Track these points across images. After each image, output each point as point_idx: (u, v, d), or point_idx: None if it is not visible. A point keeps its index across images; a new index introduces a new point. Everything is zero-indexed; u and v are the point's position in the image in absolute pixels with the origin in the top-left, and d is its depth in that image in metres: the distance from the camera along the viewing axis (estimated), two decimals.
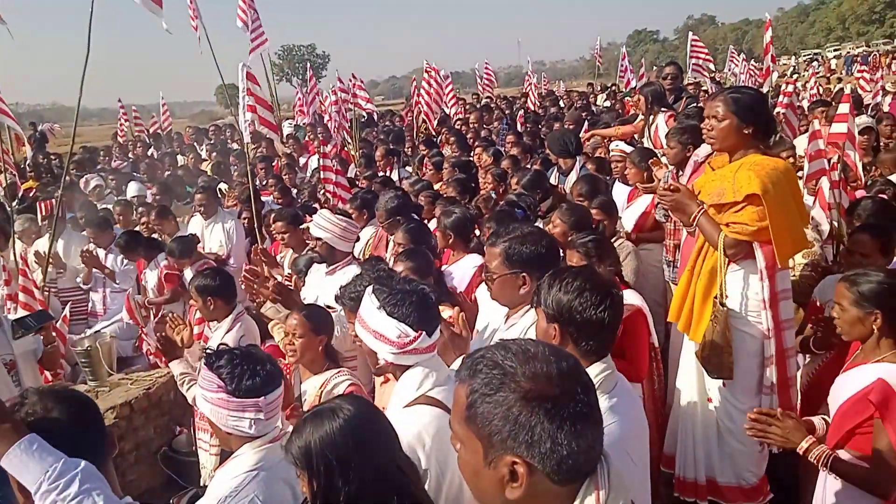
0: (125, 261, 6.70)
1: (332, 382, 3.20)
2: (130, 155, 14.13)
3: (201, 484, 4.12)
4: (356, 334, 2.49)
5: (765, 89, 10.57)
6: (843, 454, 2.63)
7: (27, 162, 12.60)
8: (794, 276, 4.05)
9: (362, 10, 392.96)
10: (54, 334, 4.46)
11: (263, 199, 7.62)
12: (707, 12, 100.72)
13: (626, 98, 13.26)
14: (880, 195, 4.92)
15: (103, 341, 4.79)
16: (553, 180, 6.67)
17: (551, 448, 1.21)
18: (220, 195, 7.95)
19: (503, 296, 2.86)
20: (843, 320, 2.74)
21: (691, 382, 3.64)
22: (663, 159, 5.67)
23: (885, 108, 10.69)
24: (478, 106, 15.33)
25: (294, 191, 8.38)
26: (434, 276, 3.63)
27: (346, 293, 3.32)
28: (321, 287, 4.35)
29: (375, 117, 14.79)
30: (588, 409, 1.25)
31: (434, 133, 11.74)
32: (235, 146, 13.00)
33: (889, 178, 5.83)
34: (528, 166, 7.25)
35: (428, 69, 11.59)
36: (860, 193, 5.21)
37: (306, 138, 13.28)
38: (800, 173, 6.14)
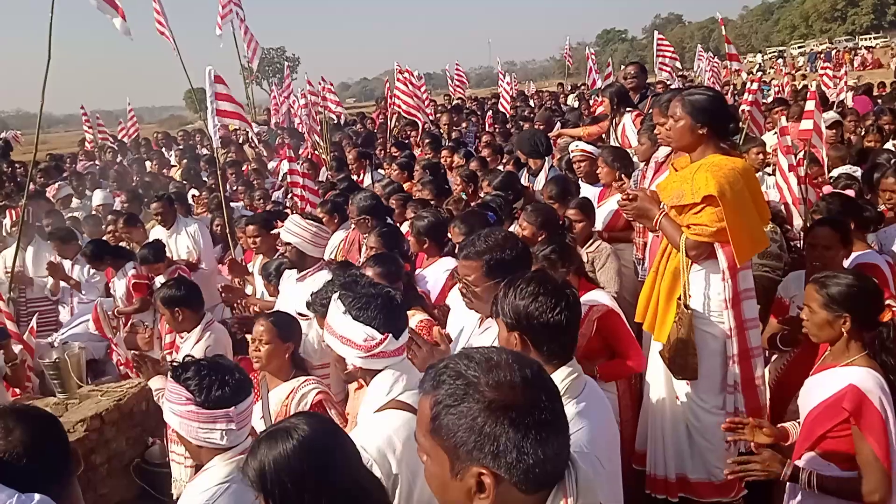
0: (92, 271, 6.59)
1: (300, 392, 3.17)
2: (98, 161, 13.93)
3: (175, 496, 4.06)
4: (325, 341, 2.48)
5: (729, 86, 10.74)
6: (813, 457, 2.66)
7: None
8: None
9: (332, 11, 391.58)
10: (22, 348, 4.38)
11: (234, 205, 7.56)
12: (674, 11, 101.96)
13: (593, 97, 13.37)
14: (846, 189, 5.02)
15: (72, 353, 4.71)
16: (524, 181, 6.70)
17: (517, 457, 1.21)
18: (191, 202, 7.87)
19: (482, 307, 2.84)
20: (812, 322, 2.72)
21: (660, 380, 3.66)
22: (634, 157, 5.72)
23: (850, 104, 10.91)
24: (448, 107, 15.33)
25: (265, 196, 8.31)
26: (404, 281, 3.61)
27: (318, 299, 3.29)
28: (293, 294, 4.32)
29: (343, 121, 14.69)
30: (553, 416, 1.25)
31: (405, 136, 11.72)
32: (205, 151, 12.87)
33: (847, 171, 5.96)
34: (500, 167, 7.28)
35: (401, 70, 11.55)
36: (827, 189, 5.32)
37: (277, 142, 13.19)
38: (768, 169, 6.27)
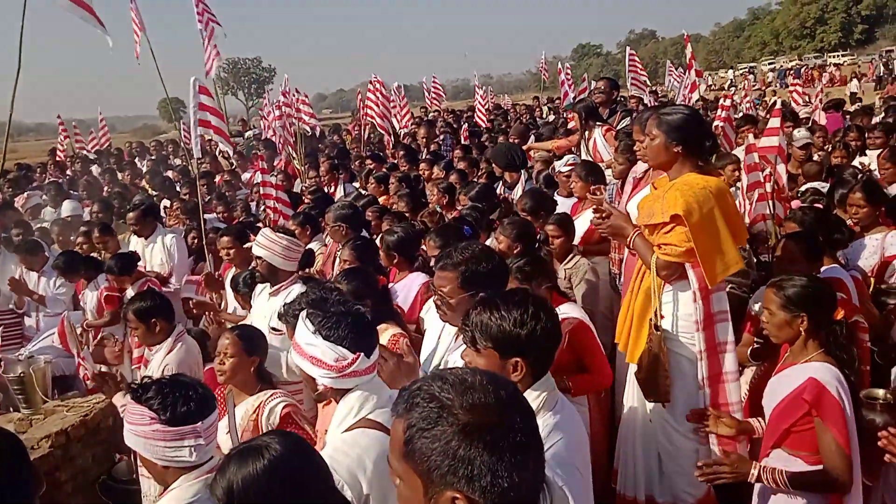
0: (58, 284, 6.46)
1: (268, 406, 3.13)
2: (69, 172, 13.70)
3: None
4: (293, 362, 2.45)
5: (694, 99, 10.92)
6: (780, 453, 2.79)
7: None
8: None
9: (308, 22, 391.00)
10: None
11: (207, 216, 7.47)
12: (648, 27, 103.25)
13: (566, 110, 13.49)
14: (814, 205, 5.10)
15: (37, 367, 4.60)
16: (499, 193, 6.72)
17: (492, 481, 1.19)
18: (163, 212, 7.77)
19: (456, 319, 2.78)
20: (771, 324, 2.87)
21: (633, 401, 3.62)
22: (607, 172, 5.76)
23: (822, 122, 11.09)
24: (424, 119, 15.36)
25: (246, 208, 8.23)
26: (376, 296, 3.58)
27: (291, 311, 3.25)
28: (266, 309, 4.25)
29: (318, 132, 14.64)
30: (528, 437, 1.24)
31: (381, 149, 11.72)
32: (178, 161, 12.73)
33: (815, 186, 6.07)
34: (475, 180, 7.29)
35: (373, 82, 11.56)
36: (795, 203, 5.40)
37: (253, 153, 13.10)
38: (739, 184, 6.35)
